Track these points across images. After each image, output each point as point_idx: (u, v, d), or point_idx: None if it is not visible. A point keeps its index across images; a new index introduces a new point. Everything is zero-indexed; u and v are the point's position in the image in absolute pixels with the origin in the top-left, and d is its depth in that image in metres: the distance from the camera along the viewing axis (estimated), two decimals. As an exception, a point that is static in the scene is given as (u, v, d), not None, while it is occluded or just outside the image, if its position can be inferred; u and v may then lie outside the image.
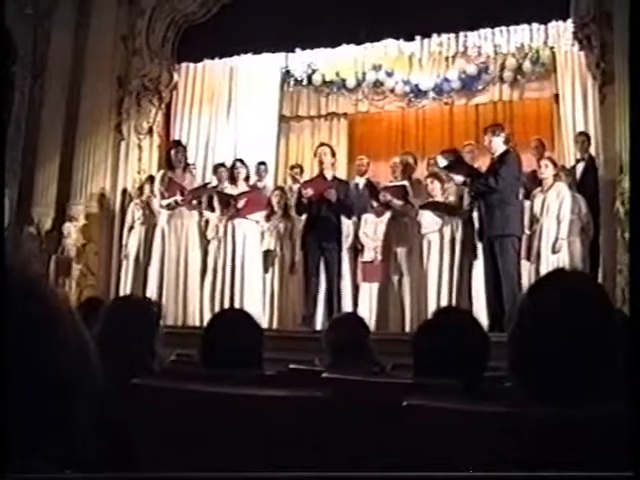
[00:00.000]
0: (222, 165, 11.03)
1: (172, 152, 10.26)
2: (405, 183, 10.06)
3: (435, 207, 9.42)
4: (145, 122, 11.45)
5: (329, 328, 4.65)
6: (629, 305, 6.86)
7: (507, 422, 1.69)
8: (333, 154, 9.93)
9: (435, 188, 9.49)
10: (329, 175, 9.72)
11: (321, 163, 9.81)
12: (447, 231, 9.31)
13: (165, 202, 9.97)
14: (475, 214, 9.06)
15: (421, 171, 11.05)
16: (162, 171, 10.35)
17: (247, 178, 10.44)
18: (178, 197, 9.87)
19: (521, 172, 9.01)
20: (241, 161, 10.53)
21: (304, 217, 9.81)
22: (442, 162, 9.38)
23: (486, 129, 9.20)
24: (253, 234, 10.17)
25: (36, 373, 1.08)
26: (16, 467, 1.05)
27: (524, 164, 9.55)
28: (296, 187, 10.94)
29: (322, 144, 10.63)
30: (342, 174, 12.33)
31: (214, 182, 10.88)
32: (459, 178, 9.11)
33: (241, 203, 9.99)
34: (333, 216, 9.58)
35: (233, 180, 10.31)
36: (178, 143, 10.69)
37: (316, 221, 9.55)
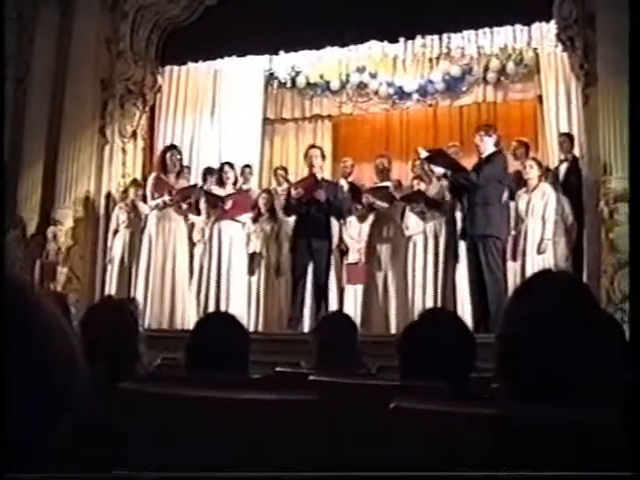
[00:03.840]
0: (210, 169, 11.04)
1: (167, 155, 10.19)
2: (389, 184, 10.08)
3: (417, 198, 9.43)
4: (129, 125, 11.43)
5: (317, 327, 4.65)
6: (629, 305, 6.87)
7: (495, 423, 1.69)
8: (323, 156, 9.96)
9: (420, 190, 9.53)
10: (319, 177, 9.73)
11: (311, 165, 9.82)
12: (431, 232, 9.33)
13: (154, 202, 9.94)
14: (459, 214, 9.08)
15: (406, 172, 11.07)
16: (154, 174, 10.32)
17: (235, 182, 10.42)
18: (166, 197, 9.85)
19: (506, 175, 9.02)
20: (230, 164, 10.52)
21: (293, 218, 9.83)
22: (423, 153, 9.41)
23: (478, 128, 9.22)
24: (239, 237, 10.18)
25: (23, 379, 1.08)
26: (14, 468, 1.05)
27: (509, 164, 9.59)
28: (281, 189, 10.97)
29: (313, 146, 10.64)
30: (326, 176, 12.34)
31: (202, 185, 10.89)
32: (440, 170, 9.14)
33: (228, 204, 9.99)
34: (322, 217, 9.58)
35: (221, 183, 10.30)
36: (174, 147, 10.62)
37: (305, 222, 9.55)
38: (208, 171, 11.09)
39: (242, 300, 10.04)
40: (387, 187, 9.99)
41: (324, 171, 10.52)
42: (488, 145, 8.75)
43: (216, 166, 11.23)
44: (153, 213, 10.03)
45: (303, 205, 9.56)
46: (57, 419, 1.12)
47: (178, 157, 10.25)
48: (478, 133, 8.93)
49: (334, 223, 10.08)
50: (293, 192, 9.67)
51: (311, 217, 9.50)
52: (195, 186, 10.55)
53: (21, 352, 1.08)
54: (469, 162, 9.42)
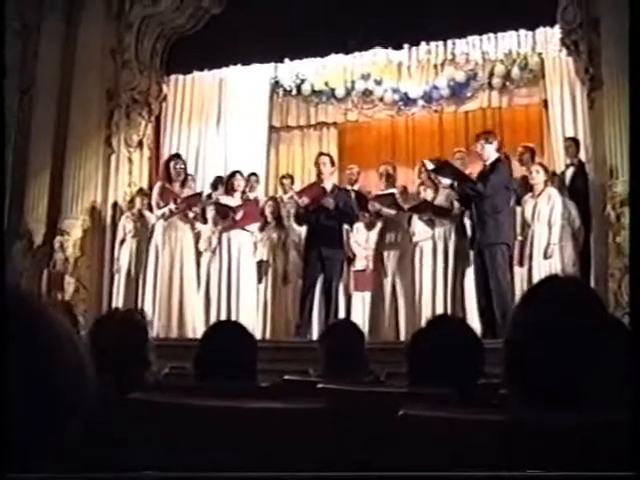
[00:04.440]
0: (221, 178, 11.06)
1: (171, 164, 10.24)
2: (394, 191, 10.06)
3: (425, 208, 9.44)
4: (135, 135, 11.44)
5: (323, 335, 4.64)
6: (629, 308, 6.86)
7: (504, 430, 1.68)
8: (332, 163, 9.93)
9: (427, 196, 9.53)
10: (329, 184, 9.71)
11: (320, 173, 9.80)
12: (440, 239, 9.32)
13: (160, 212, 9.96)
14: (467, 222, 9.07)
15: (412, 179, 11.07)
16: (159, 183, 10.34)
17: (244, 191, 10.45)
18: (172, 205, 9.86)
19: (511, 181, 9.02)
20: (240, 173, 10.53)
21: (305, 227, 9.81)
22: (429, 165, 9.43)
23: (478, 135, 9.21)
24: (247, 245, 10.17)
25: (30, 386, 1.08)
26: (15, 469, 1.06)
27: (514, 170, 9.58)
28: (287, 197, 10.97)
29: (321, 154, 10.64)
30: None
31: (209, 192, 10.90)
32: (446, 181, 9.13)
33: (239, 215, 9.99)
34: (334, 224, 9.54)
35: (229, 191, 10.31)
36: (177, 156, 10.66)
37: (316, 231, 9.52)
38: (218, 180, 11.12)
39: (251, 308, 10.03)
40: (393, 194, 9.97)
41: (333, 178, 10.54)
42: (490, 152, 8.75)
43: (223, 174, 11.26)
44: (159, 222, 10.04)
45: (312, 214, 9.54)
46: (63, 426, 1.13)
47: (182, 166, 10.30)
48: (479, 141, 8.92)
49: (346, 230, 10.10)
50: (299, 201, 9.66)
51: (322, 225, 9.48)
52: (200, 194, 10.58)
53: (28, 360, 1.09)
54: (476, 168, 9.42)
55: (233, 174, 10.55)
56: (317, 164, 9.95)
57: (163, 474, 1.74)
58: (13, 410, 1.05)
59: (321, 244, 9.41)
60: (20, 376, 1.07)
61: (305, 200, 9.54)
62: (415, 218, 9.57)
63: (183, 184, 10.26)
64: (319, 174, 9.84)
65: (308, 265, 9.59)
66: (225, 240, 10.12)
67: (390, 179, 10.34)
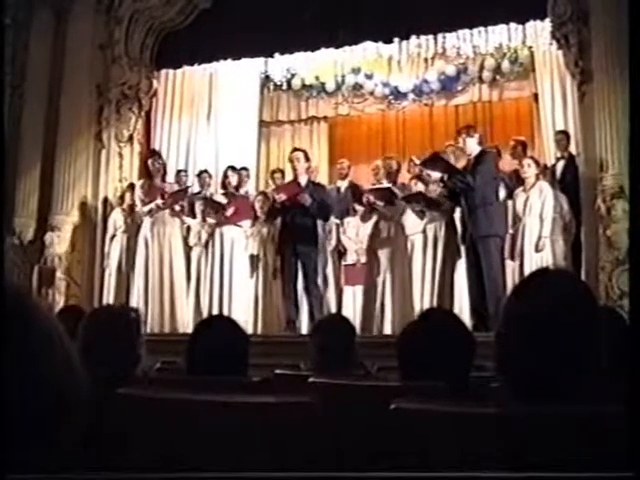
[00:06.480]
0: (205, 171, 11.06)
1: (149, 161, 10.38)
2: (390, 185, 10.04)
3: (418, 199, 9.43)
4: (125, 130, 11.42)
5: (315, 330, 4.64)
6: (629, 304, 6.87)
7: (495, 423, 1.68)
8: (307, 158, 9.90)
9: (419, 189, 9.52)
10: (304, 179, 9.70)
11: (294, 169, 9.80)
12: (430, 232, 9.32)
13: (146, 208, 10.00)
14: (458, 215, 9.09)
15: (403, 172, 11.07)
16: (142, 180, 10.42)
17: (238, 186, 10.47)
18: (159, 201, 9.91)
19: (498, 172, 9.06)
20: (233, 168, 10.55)
21: (279, 222, 9.81)
22: (417, 161, 9.46)
23: (459, 130, 9.27)
24: (239, 240, 10.18)
25: (21, 387, 1.08)
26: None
27: (506, 164, 9.60)
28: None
29: (295, 149, 10.61)
30: (323, 178, 12.36)
31: (197, 188, 10.91)
32: (436, 174, 9.14)
33: (230, 211, 10.01)
34: (308, 220, 9.54)
35: (224, 187, 10.36)
36: (154, 152, 10.78)
37: (290, 226, 9.52)
38: (199, 175, 11.13)
39: (242, 303, 10.04)
40: (389, 188, 9.95)
41: (314, 172, 10.55)
42: (472, 146, 8.80)
43: (212, 169, 11.26)
44: (147, 217, 10.07)
45: (288, 209, 9.55)
46: (56, 423, 1.12)
47: (160, 162, 10.48)
48: (460, 136, 8.99)
49: (329, 225, 10.10)
50: (276, 197, 9.68)
51: (296, 221, 9.48)
52: (186, 189, 10.61)
53: (19, 360, 1.08)
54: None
55: (226, 170, 10.59)
56: (291, 160, 9.94)
57: (164, 474, 1.73)
58: (13, 411, 1.05)
59: (296, 240, 9.43)
60: (14, 376, 1.07)
61: (282, 196, 9.55)
62: (407, 211, 9.56)
63: (163, 179, 10.45)
64: (294, 170, 9.83)
65: (285, 261, 9.61)
66: (217, 235, 10.13)
67: (392, 175, 10.34)
